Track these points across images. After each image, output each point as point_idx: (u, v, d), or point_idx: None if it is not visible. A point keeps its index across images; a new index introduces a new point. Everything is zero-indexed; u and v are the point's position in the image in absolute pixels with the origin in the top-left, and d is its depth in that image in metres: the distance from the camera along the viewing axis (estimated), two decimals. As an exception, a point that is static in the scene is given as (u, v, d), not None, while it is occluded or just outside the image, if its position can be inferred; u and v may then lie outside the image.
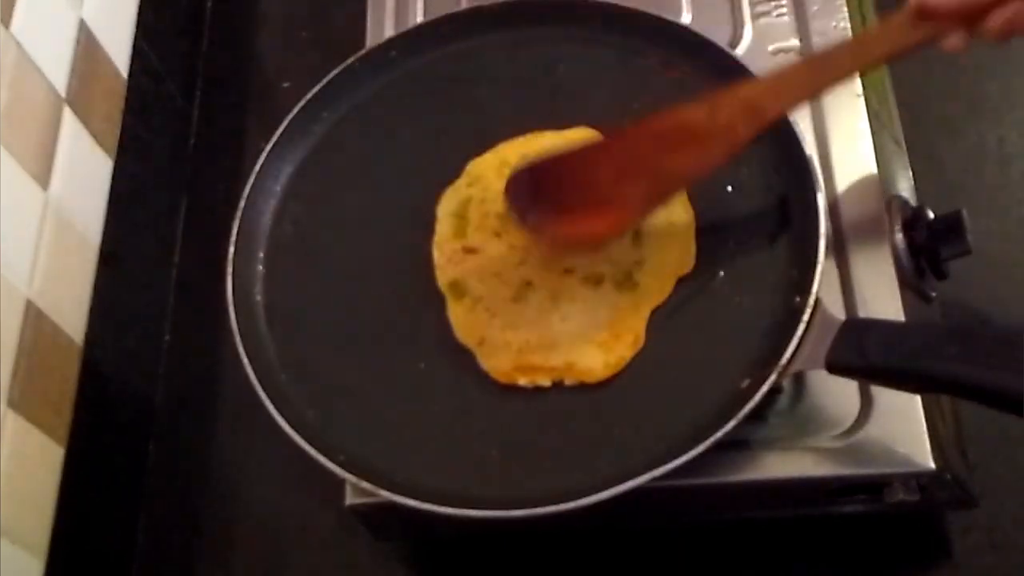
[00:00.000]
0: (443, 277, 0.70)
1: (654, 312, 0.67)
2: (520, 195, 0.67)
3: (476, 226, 0.71)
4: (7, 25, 0.72)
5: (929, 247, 0.70)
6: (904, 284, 0.69)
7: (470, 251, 0.70)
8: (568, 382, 0.66)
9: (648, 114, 0.66)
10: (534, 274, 0.68)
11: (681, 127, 0.65)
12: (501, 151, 0.73)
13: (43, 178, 0.75)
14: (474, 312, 0.68)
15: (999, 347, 0.55)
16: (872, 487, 0.66)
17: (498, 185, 0.71)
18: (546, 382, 0.66)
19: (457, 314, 0.68)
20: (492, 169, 0.72)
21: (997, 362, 0.55)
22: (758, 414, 0.62)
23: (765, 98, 0.64)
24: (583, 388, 0.66)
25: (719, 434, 0.60)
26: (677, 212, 0.69)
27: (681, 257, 0.68)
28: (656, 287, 0.67)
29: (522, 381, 0.66)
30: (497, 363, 0.67)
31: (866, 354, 0.58)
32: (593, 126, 0.73)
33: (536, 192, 0.67)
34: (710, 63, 0.73)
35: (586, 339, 0.66)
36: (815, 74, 0.64)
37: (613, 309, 0.67)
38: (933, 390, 0.61)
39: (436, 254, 0.71)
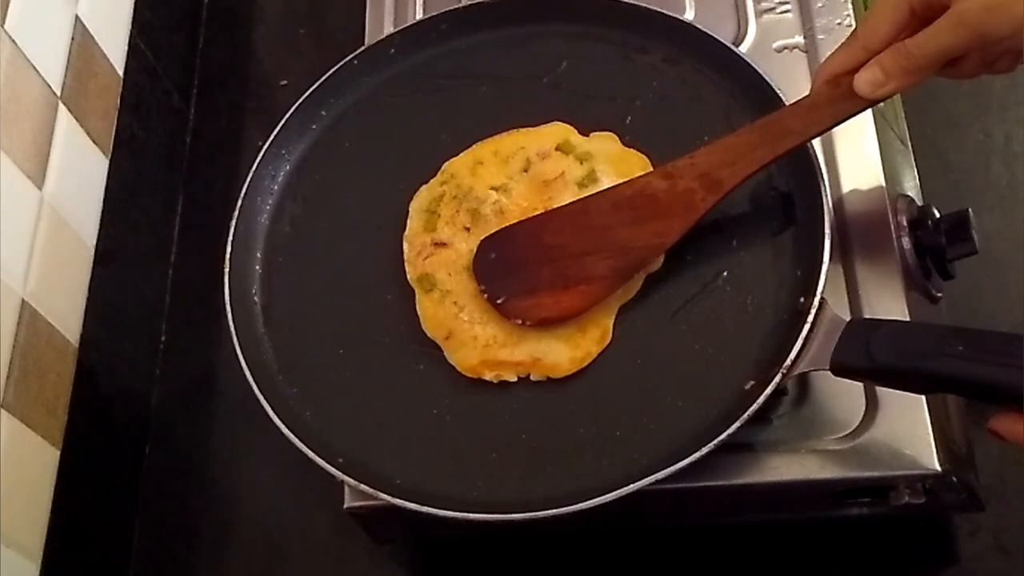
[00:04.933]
0: (412, 271, 0.70)
1: (623, 308, 0.67)
2: (489, 273, 0.67)
3: (447, 221, 0.71)
4: (2, 22, 0.72)
5: (935, 247, 0.70)
6: (910, 284, 0.69)
7: (440, 245, 0.70)
8: (534, 377, 0.66)
9: (648, 113, 0.68)
10: None
11: (640, 197, 0.66)
12: (475, 150, 0.74)
13: (38, 177, 0.75)
14: (442, 306, 0.68)
15: (1006, 345, 0.55)
16: (877, 490, 0.65)
17: (470, 182, 0.71)
18: (512, 377, 0.66)
19: (425, 307, 0.69)
20: (466, 168, 0.73)
21: (1005, 360, 0.54)
22: (762, 416, 0.62)
23: (722, 169, 0.64)
24: (583, 387, 0.66)
25: (723, 436, 0.59)
26: None
27: None
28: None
29: (488, 376, 0.66)
30: (464, 357, 0.67)
31: (872, 355, 0.58)
32: (566, 119, 0.73)
33: (504, 270, 0.67)
34: (714, 60, 0.73)
35: (553, 334, 0.66)
36: (768, 141, 0.64)
37: None
38: (940, 390, 0.61)
39: (406, 248, 0.71)
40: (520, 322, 0.66)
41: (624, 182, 0.67)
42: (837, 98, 0.63)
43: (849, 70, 0.62)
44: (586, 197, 0.68)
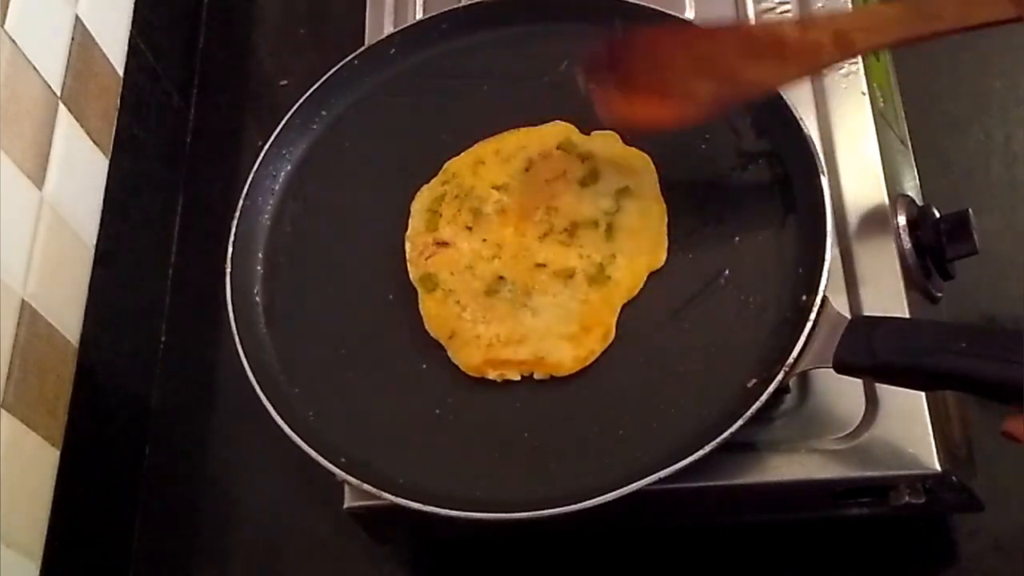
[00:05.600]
0: (414, 271, 0.70)
1: (625, 306, 0.67)
2: (597, 68, 0.66)
3: (448, 220, 0.71)
4: (2, 22, 0.72)
5: (935, 247, 0.70)
6: (910, 284, 0.69)
7: (442, 244, 0.70)
8: (538, 376, 0.66)
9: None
10: (506, 268, 0.69)
11: (769, 38, 0.64)
12: (476, 149, 0.74)
13: (38, 177, 0.75)
14: (445, 305, 0.68)
15: (1008, 342, 0.55)
16: (877, 489, 0.65)
17: (472, 181, 0.72)
18: (515, 376, 0.66)
19: (428, 307, 0.69)
20: (467, 167, 0.73)
21: (1006, 357, 0.54)
22: (764, 415, 0.62)
23: (859, 30, 0.62)
24: (585, 386, 0.66)
25: (726, 434, 0.59)
26: (650, 206, 0.69)
27: (654, 251, 0.68)
28: (628, 281, 0.68)
29: (492, 375, 0.67)
30: (467, 357, 0.67)
31: (875, 352, 0.58)
32: (566, 119, 0.73)
33: (613, 69, 0.66)
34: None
35: (556, 333, 0.66)
36: (914, 19, 0.61)
37: (584, 303, 0.67)
38: (942, 387, 0.61)
39: (408, 247, 0.71)
40: (611, 118, 0.66)
41: (755, 23, 0.65)
42: None
43: None
44: (717, 26, 0.65)
